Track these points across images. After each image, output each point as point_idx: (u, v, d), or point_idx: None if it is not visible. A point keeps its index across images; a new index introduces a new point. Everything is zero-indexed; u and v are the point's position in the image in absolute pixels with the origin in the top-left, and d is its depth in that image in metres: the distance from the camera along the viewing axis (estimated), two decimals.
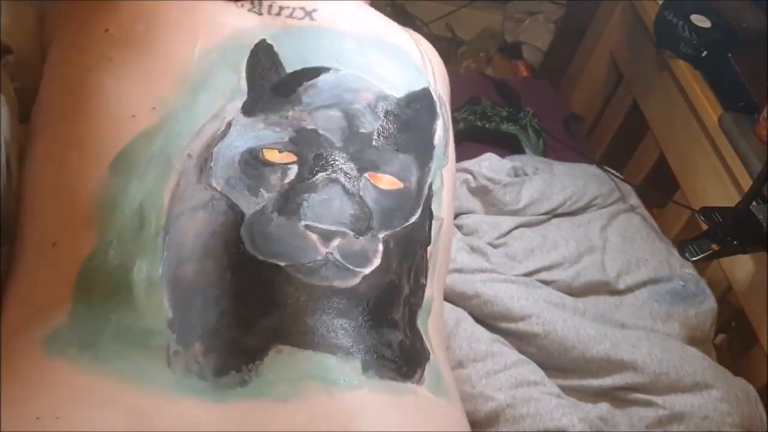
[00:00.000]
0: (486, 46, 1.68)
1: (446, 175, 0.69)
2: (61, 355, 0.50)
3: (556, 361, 0.83)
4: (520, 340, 0.84)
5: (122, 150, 0.56)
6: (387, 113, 0.65)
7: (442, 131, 0.70)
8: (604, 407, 0.80)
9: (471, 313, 0.85)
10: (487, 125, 1.21)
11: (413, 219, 0.62)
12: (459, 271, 0.88)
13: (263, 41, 0.64)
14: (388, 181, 0.62)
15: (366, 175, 0.60)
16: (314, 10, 0.68)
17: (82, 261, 0.53)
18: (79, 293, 0.52)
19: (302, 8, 0.68)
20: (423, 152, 0.66)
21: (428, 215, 0.65)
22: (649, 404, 0.80)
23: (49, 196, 0.58)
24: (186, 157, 0.57)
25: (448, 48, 1.69)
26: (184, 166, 0.56)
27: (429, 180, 0.66)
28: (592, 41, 1.43)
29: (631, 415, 0.80)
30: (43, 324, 0.51)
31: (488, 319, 0.85)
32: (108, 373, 0.49)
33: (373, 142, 0.63)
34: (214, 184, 0.56)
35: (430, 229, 0.65)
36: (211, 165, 0.57)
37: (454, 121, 1.20)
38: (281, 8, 0.67)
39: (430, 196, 0.65)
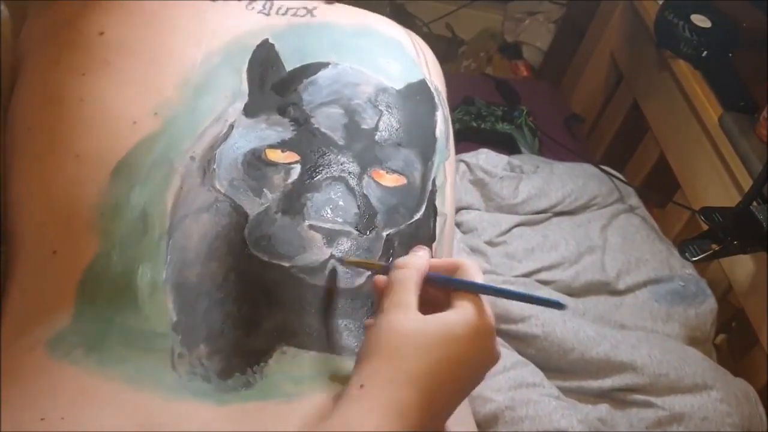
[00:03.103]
0: (486, 46, 1.68)
1: (448, 169, 0.69)
2: (66, 357, 0.49)
3: (555, 363, 0.83)
4: (520, 342, 0.84)
5: (124, 158, 0.55)
6: (388, 106, 0.65)
7: (443, 123, 0.69)
8: (603, 408, 0.80)
9: None
10: (483, 125, 1.21)
11: (418, 215, 0.62)
12: None
13: (266, 41, 0.64)
14: (391, 178, 0.61)
15: (369, 172, 0.60)
16: (315, 8, 0.69)
17: (84, 267, 0.53)
18: (82, 297, 0.52)
19: (305, 7, 0.69)
20: (425, 146, 0.66)
21: (432, 211, 0.64)
22: (648, 405, 0.80)
23: (46, 205, 0.57)
24: (189, 159, 0.56)
25: (448, 48, 1.69)
26: (187, 169, 0.56)
27: (432, 175, 0.65)
28: (592, 41, 1.43)
29: (631, 416, 0.80)
30: (46, 328, 0.51)
31: None
32: (113, 375, 0.49)
33: (376, 137, 0.63)
34: (218, 186, 0.56)
35: (434, 226, 0.64)
36: (214, 167, 0.56)
37: None
38: (288, 9, 0.68)
39: (433, 192, 0.65)
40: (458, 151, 1.12)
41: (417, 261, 0.51)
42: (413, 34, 0.77)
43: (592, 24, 1.43)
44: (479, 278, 0.50)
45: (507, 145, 1.20)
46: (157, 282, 0.52)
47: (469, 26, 1.73)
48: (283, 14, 0.67)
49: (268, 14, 0.67)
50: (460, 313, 0.47)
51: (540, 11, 1.63)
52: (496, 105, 1.24)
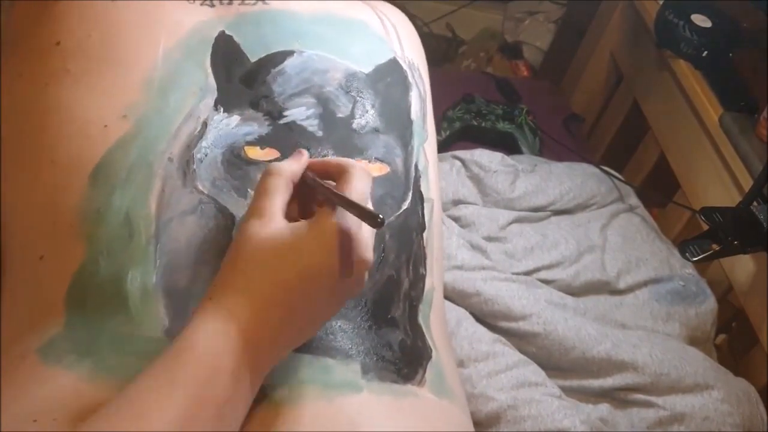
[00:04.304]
0: (486, 46, 1.68)
1: (429, 151, 0.67)
2: (58, 363, 0.49)
3: (556, 361, 0.83)
4: (521, 340, 0.84)
5: (100, 162, 0.55)
6: (359, 92, 0.63)
7: (418, 103, 0.68)
8: (604, 408, 0.80)
9: (471, 312, 0.85)
10: (483, 124, 1.21)
11: (405, 205, 0.61)
12: (459, 268, 0.87)
13: (222, 33, 0.62)
14: (375, 167, 0.61)
15: None
16: None
17: (72, 273, 0.52)
18: (72, 304, 0.52)
19: None
20: (403, 130, 0.64)
21: (419, 198, 0.63)
22: (649, 405, 0.80)
23: (29, 210, 0.56)
24: (167, 161, 0.56)
25: (448, 48, 1.69)
26: (167, 171, 0.55)
27: (414, 159, 0.64)
28: (592, 41, 1.43)
29: (632, 415, 0.80)
30: (37, 335, 0.51)
31: (488, 317, 0.85)
32: (107, 380, 0.48)
33: (353, 125, 0.61)
34: (200, 187, 0.55)
35: (423, 213, 0.63)
36: (194, 167, 0.56)
37: (450, 120, 1.20)
38: None
39: (417, 178, 0.64)
40: (458, 150, 1.12)
41: (288, 166, 0.48)
42: (384, 6, 0.74)
43: (592, 24, 1.43)
44: (360, 186, 0.47)
45: (508, 145, 1.20)
46: (147, 287, 0.51)
47: (469, 26, 1.73)
48: (228, 3, 0.65)
49: (212, 5, 0.64)
50: (311, 224, 0.45)
51: (540, 11, 1.63)
52: (495, 103, 1.24)
